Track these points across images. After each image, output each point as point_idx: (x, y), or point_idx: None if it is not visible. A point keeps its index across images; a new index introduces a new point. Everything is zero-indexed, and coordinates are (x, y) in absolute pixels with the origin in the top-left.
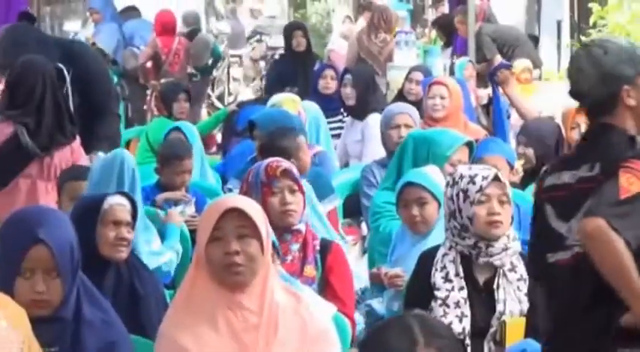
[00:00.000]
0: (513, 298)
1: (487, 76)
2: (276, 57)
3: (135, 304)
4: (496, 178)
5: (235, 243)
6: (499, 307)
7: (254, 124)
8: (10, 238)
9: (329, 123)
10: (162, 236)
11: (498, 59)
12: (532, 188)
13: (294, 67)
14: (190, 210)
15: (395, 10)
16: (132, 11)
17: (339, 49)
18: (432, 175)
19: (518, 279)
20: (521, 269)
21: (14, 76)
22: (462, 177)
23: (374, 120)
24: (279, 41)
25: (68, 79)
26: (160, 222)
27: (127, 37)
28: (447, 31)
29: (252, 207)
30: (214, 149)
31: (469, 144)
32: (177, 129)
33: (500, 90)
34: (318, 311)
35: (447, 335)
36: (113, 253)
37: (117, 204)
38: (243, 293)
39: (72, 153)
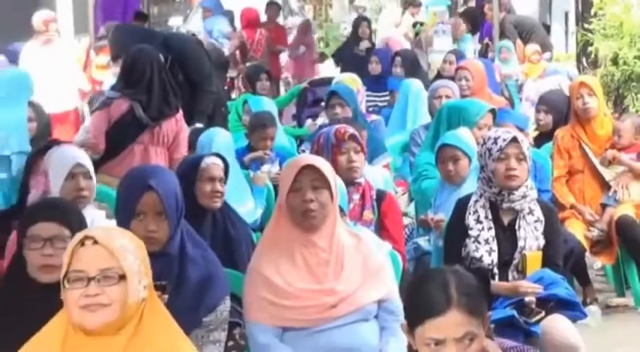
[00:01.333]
0: (532, 236)
1: None
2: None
3: (228, 244)
4: (514, 140)
5: (310, 192)
6: (520, 243)
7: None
8: (127, 187)
9: (379, 97)
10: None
11: (520, 44)
12: (549, 146)
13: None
14: (275, 168)
15: (435, 6)
16: None
17: (393, 36)
18: (463, 136)
19: (535, 221)
20: (538, 212)
21: (128, 62)
22: (489, 138)
23: (414, 94)
24: None
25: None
26: (251, 181)
27: (207, 31)
28: (472, 21)
29: (323, 164)
30: (289, 118)
31: (492, 111)
32: (246, 102)
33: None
34: (376, 248)
35: (476, 294)
36: (210, 203)
37: (212, 163)
38: (316, 234)
39: (176, 122)
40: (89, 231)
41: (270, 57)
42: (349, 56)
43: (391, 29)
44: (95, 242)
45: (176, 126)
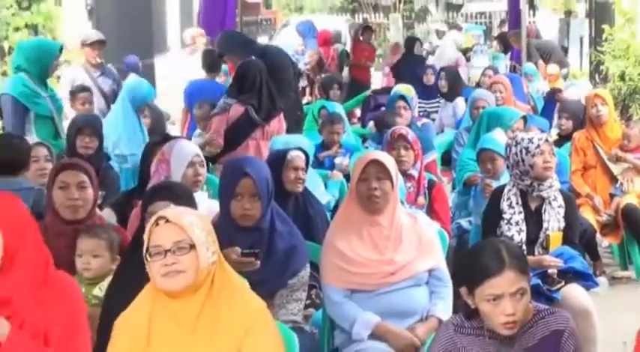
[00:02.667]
0: (554, 219)
1: None
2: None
3: (307, 221)
4: (547, 139)
5: (375, 182)
6: (545, 225)
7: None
8: (228, 174)
9: (430, 104)
10: (327, 185)
11: (542, 64)
12: (567, 146)
13: (412, 65)
14: (345, 161)
15: (473, 30)
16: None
17: (460, 56)
18: (499, 140)
19: (558, 206)
20: (560, 199)
21: (240, 74)
22: (522, 139)
23: (460, 101)
24: None
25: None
26: (327, 177)
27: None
28: (504, 43)
29: (387, 159)
30: (355, 120)
31: (524, 117)
32: (324, 107)
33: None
34: (428, 227)
35: (522, 257)
36: (293, 188)
37: (296, 155)
38: (380, 215)
39: (279, 120)
40: (161, 212)
41: (362, 70)
42: (404, 69)
43: (454, 49)
44: (167, 221)
45: (279, 123)
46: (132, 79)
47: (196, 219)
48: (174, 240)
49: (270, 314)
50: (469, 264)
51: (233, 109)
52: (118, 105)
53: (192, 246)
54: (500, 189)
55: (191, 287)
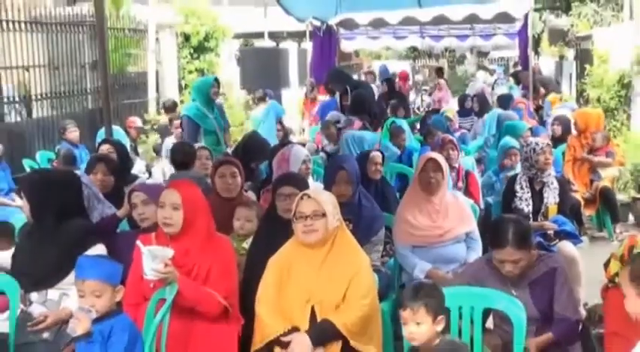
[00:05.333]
0: (552, 196)
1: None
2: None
3: (383, 198)
4: (548, 144)
5: (432, 173)
6: (545, 200)
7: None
8: (330, 168)
9: (465, 120)
10: None
11: (542, 91)
12: (561, 147)
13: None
14: None
15: (497, 69)
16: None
17: (486, 88)
18: (515, 143)
19: (555, 188)
20: (556, 183)
21: (358, 100)
22: (532, 142)
23: (488, 117)
24: None
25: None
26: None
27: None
28: (516, 78)
29: (440, 157)
30: (416, 131)
31: (530, 129)
32: (394, 122)
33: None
34: (466, 203)
35: (525, 234)
36: (374, 176)
37: (376, 154)
38: (433, 196)
39: (380, 130)
40: (306, 191)
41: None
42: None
43: (481, 82)
44: (309, 197)
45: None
46: (272, 102)
47: (328, 197)
48: (312, 209)
49: (370, 265)
50: (489, 234)
51: (355, 123)
52: (265, 118)
53: (324, 215)
54: (514, 176)
55: (320, 242)
